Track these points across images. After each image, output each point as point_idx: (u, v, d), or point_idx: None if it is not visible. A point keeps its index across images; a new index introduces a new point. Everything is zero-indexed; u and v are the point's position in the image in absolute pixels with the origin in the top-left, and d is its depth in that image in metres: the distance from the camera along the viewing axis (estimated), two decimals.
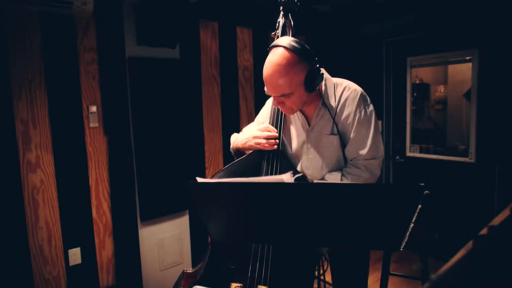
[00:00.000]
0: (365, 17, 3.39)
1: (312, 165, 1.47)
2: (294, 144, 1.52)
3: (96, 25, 2.36)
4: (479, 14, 2.91)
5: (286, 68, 1.26)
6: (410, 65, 3.49)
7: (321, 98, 1.41)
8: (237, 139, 1.57)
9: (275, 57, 1.27)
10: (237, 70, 3.14)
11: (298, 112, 1.48)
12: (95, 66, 2.38)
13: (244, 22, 3.11)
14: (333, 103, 1.42)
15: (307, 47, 1.30)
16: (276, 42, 1.32)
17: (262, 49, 3.23)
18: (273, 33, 1.60)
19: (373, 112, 1.41)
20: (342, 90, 1.42)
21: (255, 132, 1.47)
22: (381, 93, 3.62)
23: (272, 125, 1.49)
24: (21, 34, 2.10)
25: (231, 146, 1.61)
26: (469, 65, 3.10)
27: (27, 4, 2.00)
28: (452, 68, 3.48)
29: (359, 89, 1.42)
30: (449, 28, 3.14)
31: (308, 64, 1.29)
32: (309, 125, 1.46)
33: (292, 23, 1.58)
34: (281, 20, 1.58)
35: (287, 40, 1.28)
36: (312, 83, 1.30)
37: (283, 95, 1.31)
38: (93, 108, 2.38)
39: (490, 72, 2.94)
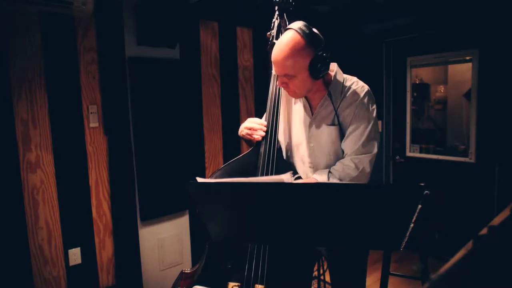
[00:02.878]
0: (365, 17, 3.39)
1: (313, 154, 1.50)
2: (297, 131, 1.55)
3: (96, 25, 2.36)
4: (479, 14, 2.91)
5: (292, 49, 1.30)
6: (410, 65, 3.49)
7: (328, 89, 1.42)
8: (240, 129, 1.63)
9: (285, 38, 1.33)
10: (237, 70, 3.14)
11: (304, 100, 1.51)
12: (95, 66, 2.38)
13: (244, 22, 3.11)
14: (338, 95, 1.44)
15: (317, 34, 1.34)
16: (290, 25, 1.37)
17: (262, 49, 3.23)
18: (268, 33, 1.61)
19: (375, 112, 1.43)
20: (350, 84, 1.45)
21: (246, 123, 1.55)
22: (381, 93, 3.62)
23: (269, 114, 1.51)
24: (21, 34, 2.10)
25: None
26: (469, 65, 3.10)
27: (27, 4, 2.00)
28: (452, 68, 3.48)
29: (366, 86, 1.45)
30: (449, 28, 3.14)
31: (314, 50, 1.32)
32: (312, 114, 1.49)
33: (287, 23, 1.58)
34: (276, 20, 1.58)
35: (299, 24, 1.33)
36: (316, 70, 1.33)
37: (286, 75, 1.35)
38: (93, 108, 2.38)
39: (490, 72, 2.94)
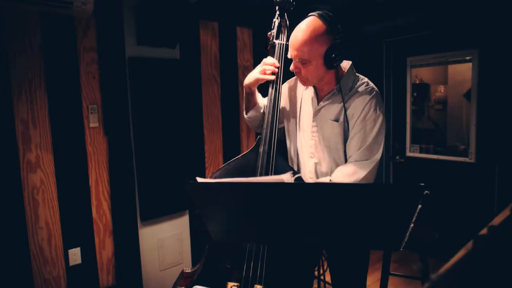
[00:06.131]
0: (365, 17, 3.39)
1: (315, 144, 1.50)
2: (303, 118, 1.55)
3: (96, 25, 2.36)
4: (479, 14, 2.91)
5: (311, 34, 1.31)
6: (410, 65, 3.49)
7: (338, 84, 1.42)
8: (246, 78, 1.61)
9: (305, 22, 1.34)
10: (237, 70, 3.14)
11: (312, 91, 1.51)
12: (95, 66, 2.38)
13: (244, 22, 3.11)
14: (347, 91, 1.44)
15: (337, 24, 1.34)
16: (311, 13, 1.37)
17: (262, 49, 3.23)
18: (269, 32, 1.60)
19: (382, 115, 1.41)
20: (361, 83, 1.45)
21: (258, 66, 1.55)
22: (381, 93, 3.62)
23: (268, 115, 1.51)
24: (21, 34, 2.10)
25: (244, 92, 1.69)
26: (469, 65, 3.10)
27: (27, 4, 2.00)
28: (452, 68, 3.48)
29: (376, 89, 1.45)
30: (449, 28, 3.14)
31: (332, 38, 1.32)
32: (318, 104, 1.50)
33: (287, 23, 1.58)
34: (276, 20, 1.58)
35: (320, 11, 1.34)
36: (332, 58, 1.33)
37: (301, 60, 1.35)
38: (93, 108, 2.37)
39: (490, 72, 2.94)
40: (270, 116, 1.49)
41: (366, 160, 1.37)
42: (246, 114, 1.69)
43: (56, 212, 2.29)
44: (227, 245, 1.45)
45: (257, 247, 1.37)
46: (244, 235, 1.13)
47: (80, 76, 2.32)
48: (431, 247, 2.15)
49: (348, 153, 1.43)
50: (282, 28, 1.58)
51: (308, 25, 1.32)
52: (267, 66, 1.50)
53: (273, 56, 1.58)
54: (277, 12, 1.58)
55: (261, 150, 1.45)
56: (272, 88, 1.52)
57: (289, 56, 1.43)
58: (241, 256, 1.38)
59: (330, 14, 1.34)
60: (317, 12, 1.34)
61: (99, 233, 2.48)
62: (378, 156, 1.38)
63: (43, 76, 2.19)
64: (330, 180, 1.40)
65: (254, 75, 1.54)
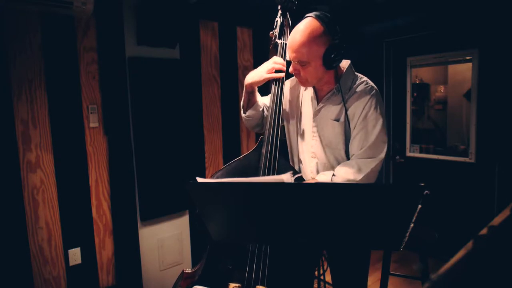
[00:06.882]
0: (365, 17, 3.39)
1: (315, 144, 1.50)
2: (304, 118, 1.55)
3: (96, 25, 2.36)
4: (479, 14, 2.91)
5: (309, 36, 1.30)
6: (410, 65, 3.49)
7: (338, 83, 1.42)
8: (250, 77, 1.56)
9: (302, 24, 1.33)
10: (237, 70, 3.14)
11: (311, 91, 1.51)
12: (95, 66, 2.38)
13: (244, 22, 3.11)
14: (347, 91, 1.43)
15: (335, 24, 1.33)
16: (308, 14, 1.36)
17: (262, 49, 3.23)
18: (271, 32, 1.60)
19: (383, 114, 1.41)
20: (360, 82, 1.45)
21: (265, 65, 1.52)
22: (381, 93, 3.62)
23: (271, 115, 1.51)
24: (21, 34, 2.10)
25: (244, 90, 1.64)
26: (469, 65, 3.10)
27: (27, 4, 2.00)
28: (452, 68, 3.48)
29: (376, 88, 1.45)
30: (449, 28, 3.14)
31: (331, 39, 1.31)
32: (318, 104, 1.49)
33: (290, 22, 1.58)
34: (279, 19, 1.58)
35: (317, 12, 1.33)
36: (331, 59, 1.32)
37: (300, 62, 1.34)
38: (93, 108, 2.38)
39: (490, 72, 2.94)
40: (273, 116, 1.49)
41: (369, 158, 1.37)
42: (245, 113, 1.68)
43: (56, 212, 2.29)
44: (228, 246, 1.45)
45: (259, 248, 1.37)
46: (244, 235, 1.13)
47: (80, 76, 2.32)
48: (431, 247, 2.15)
49: (351, 152, 1.43)
50: (284, 28, 1.58)
51: (306, 26, 1.31)
52: (277, 65, 1.48)
53: (275, 56, 1.57)
54: (279, 12, 1.58)
55: (263, 150, 1.45)
56: (275, 87, 1.51)
57: (287, 58, 1.42)
58: (243, 257, 1.38)
59: (328, 14, 1.33)
60: (314, 13, 1.33)
61: (99, 233, 2.48)
62: (382, 155, 1.38)
63: (43, 76, 2.19)
64: (333, 174, 1.39)
65: (261, 74, 1.50)
